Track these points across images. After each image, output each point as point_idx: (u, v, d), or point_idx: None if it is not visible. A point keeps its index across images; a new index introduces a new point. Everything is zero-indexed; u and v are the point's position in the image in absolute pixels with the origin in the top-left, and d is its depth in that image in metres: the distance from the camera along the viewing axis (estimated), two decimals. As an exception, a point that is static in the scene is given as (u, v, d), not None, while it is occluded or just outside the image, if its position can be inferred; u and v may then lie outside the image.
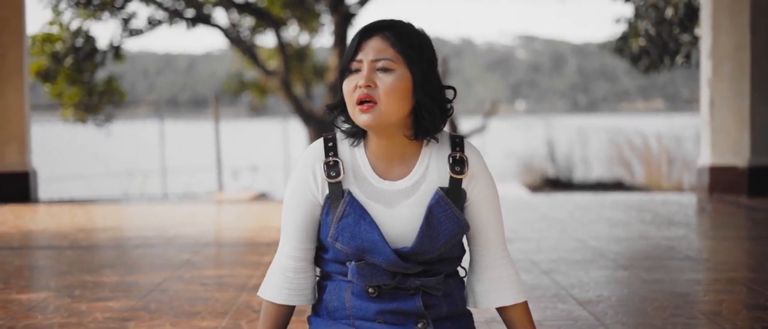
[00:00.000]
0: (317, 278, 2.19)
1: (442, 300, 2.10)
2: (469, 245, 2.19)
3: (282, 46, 14.41)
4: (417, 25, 2.10)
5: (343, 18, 13.93)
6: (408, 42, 2.03)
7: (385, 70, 2.01)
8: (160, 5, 12.54)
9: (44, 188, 10.62)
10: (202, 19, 13.12)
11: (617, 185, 14.64)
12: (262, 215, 7.18)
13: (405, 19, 2.10)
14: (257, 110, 16.95)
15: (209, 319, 3.26)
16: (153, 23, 12.51)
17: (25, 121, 8.30)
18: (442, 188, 2.06)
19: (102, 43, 11.99)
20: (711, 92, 8.07)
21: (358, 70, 2.03)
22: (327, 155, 2.09)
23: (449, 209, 2.04)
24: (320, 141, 2.13)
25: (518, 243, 5.13)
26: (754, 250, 5.20)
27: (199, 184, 14.98)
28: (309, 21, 15.10)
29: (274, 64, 15.19)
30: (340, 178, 2.07)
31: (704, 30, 8.20)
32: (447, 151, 2.10)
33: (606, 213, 6.76)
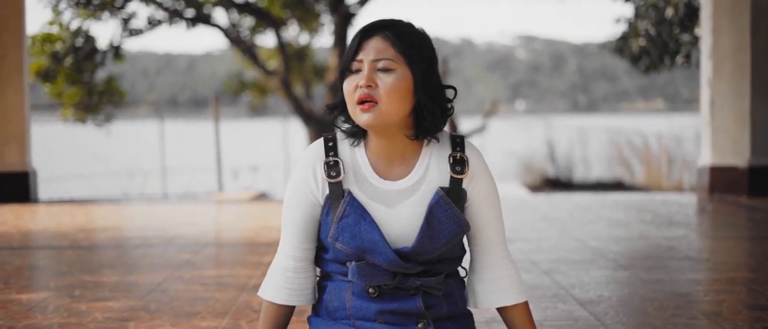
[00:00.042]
0: (317, 278, 2.19)
1: (442, 300, 2.10)
2: (469, 245, 2.18)
3: (282, 46, 14.41)
4: (417, 24, 2.09)
5: (343, 18, 13.93)
6: (408, 42, 2.02)
7: (385, 70, 2.00)
8: (160, 5, 12.54)
9: (44, 188, 10.62)
10: (202, 19, 13.12)
11: (617, 185, 14.64)
12: (262, 215, 7.17)
13: (405, 18, 2.10)
14: (257, 110, 16.95)
15: (209, 319, 3.26)
16: (153, 23, 12.51)
17: (25, 121, 8.30)
18: (442, 188, 2.06)
19: (102, 43, 12.00)
20: (711, 92, 8.07)
21: (358, 70, 2.03)
22: (327, 155, 2.09)
23: (450, 209, 2.04)
24: (320, 141, 2.13)
25: (518, 243, 5.13)
26: (755, 250, 5.20)
27: (199, 184, 14.99)
28: (309, 21, 15.09)
29: (274, 64, 15.19)
30: (340, 178, 2.07)
31: (704, 31, 8.20)
32: (447, 151, 2.10)
33: (606, 213, 6.76)
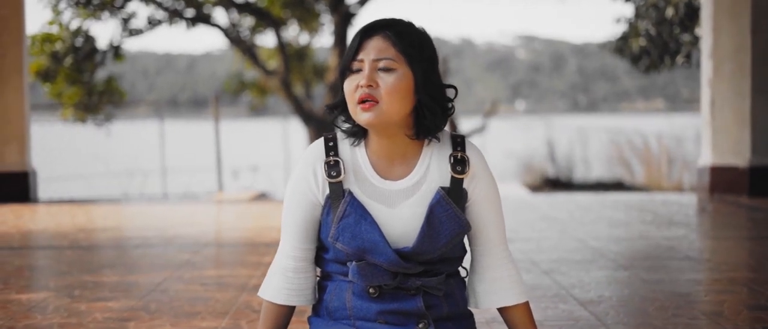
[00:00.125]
0: (318, 278, 2.19)
1: (443, 300, 2.10)
2: (470, 245, 2.18)
3: (282, 46, 14.40)
4: (417, 24, 2.09)
5: (343, 18, 13.93)
6: (409, 41, 2.02)
7: (386, 69, 2.00)
8: (160, 5, 12.53)
9: (44, 188, 10.62)
10: (202, 19, 13.11)
11: (617, 185, 14.63)
12: (262, 215, 7.17)
13: (405, 18, 2.09)
14: (257, 110, 16.95)
15: (209, 319, 3.26)
16: (153, 23, 12.50)
17: (25, 121, 8.29)
18: (443, 188, 2.06)
19: (102, 43, 11.99)
20: (712, 92, 8.07)
21: (359, 70, 2.02)
22: (327, 155, 2.09)
23: (450, 209, 2.04)
24: (321, 141, 2.12)
25: (519, 243, 5.12)
26: (755, 250, 5.19)
27: (199, 184, 14.99)
28: (309, 21, 15.09)
29: (274, 64, 15.19)
30: (340, 178, 2.06)
31: (705, 31, 8.20)
32: (448, 150, 2.09)
33: (606, 213, 6.76)
